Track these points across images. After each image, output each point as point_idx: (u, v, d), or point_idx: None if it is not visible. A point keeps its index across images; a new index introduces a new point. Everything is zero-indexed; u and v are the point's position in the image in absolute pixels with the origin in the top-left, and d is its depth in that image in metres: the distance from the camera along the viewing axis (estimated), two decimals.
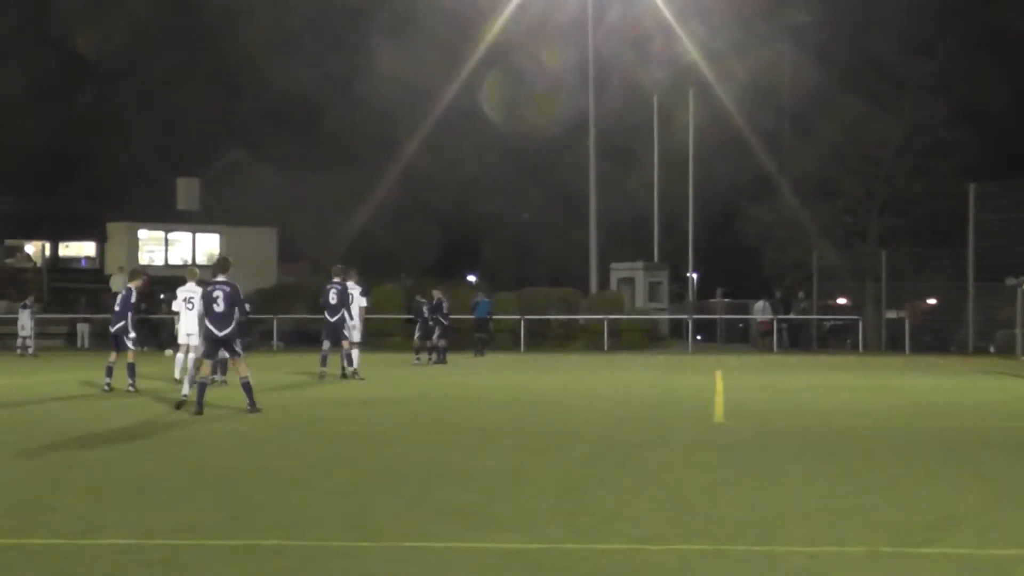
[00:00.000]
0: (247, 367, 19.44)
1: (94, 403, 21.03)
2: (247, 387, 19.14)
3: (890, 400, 22.78)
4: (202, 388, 19.09)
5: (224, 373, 24.21)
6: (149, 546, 8.82)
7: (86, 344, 48.19)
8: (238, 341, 19.51)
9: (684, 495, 11.13)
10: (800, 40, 55.12)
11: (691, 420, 18.55)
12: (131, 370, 23.35)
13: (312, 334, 45.66)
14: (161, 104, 73.55)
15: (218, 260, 20.87)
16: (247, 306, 21.15)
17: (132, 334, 23.51)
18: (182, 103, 71.53)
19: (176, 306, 24.45)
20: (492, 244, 76.30)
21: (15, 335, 45.70)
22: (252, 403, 18.95)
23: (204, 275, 25.44)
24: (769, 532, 9.33)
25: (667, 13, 56.12)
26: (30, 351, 42.07)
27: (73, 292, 52.53)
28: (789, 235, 56.11)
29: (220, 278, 19.37)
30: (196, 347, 22.04)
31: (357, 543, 8.92)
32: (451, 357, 34.64)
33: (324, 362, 28.09)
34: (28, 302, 44.18)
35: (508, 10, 56.45)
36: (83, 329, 48.93)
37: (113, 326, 23.51)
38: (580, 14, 56.33)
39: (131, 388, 22.94)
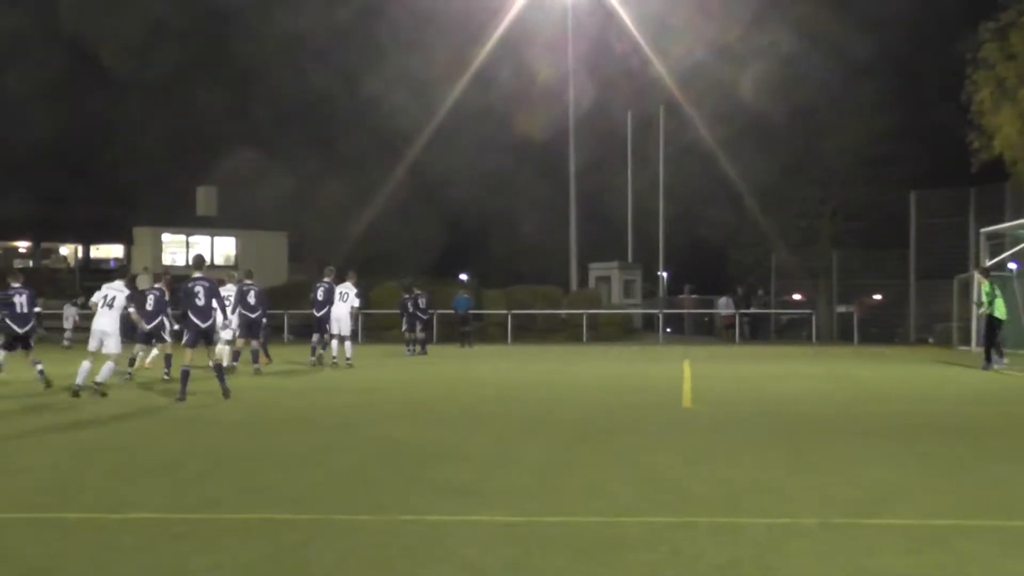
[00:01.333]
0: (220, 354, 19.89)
1: (120, 392, 20.98)
2: (219, 369, 19.46)
3: (841, 386, 22.81)
4: (185, 375, 18.90)
5: (235, 360, 24.50)
6: (172, 520, 8.82)
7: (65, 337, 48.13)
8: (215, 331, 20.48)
9: (655, 473, 11.14)
10: (761, 62, 55.24)
11: (662, 405, 18.56)
12: (168, 360, 23.48)
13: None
14: (181, 116, 73.50)
15: (195, 258, 20.75)
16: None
17: (170, 327, 24.01)
18: (200, 115, 71.50)
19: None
20: (483, 246, 76.26)
21: (53, 328, 45.65)
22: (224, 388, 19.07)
23: (242, 277, 25.88)
24: (732, 506, 9.35)
25: (640, 38, 56.30)
26: (66, 343, 42.00)
27: None
28: (750, 238, 56.31)
29: (197, 275, 19.31)
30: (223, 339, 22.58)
31: (360, 516, 8.91)
32: (438, 348, 34.64)
33: (314, 352, 28.61)
34: (78, 300, 44.10)
35: (497, 33, 56.64)
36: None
37: (150, 323, 23.43)
38: (563, 41, 56.49)
39: (166, 377, 22.95)
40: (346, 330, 28.57)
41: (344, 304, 28.42)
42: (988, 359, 26.75)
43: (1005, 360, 27.06)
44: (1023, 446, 13.41)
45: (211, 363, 19.70)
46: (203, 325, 19.14)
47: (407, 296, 36.03)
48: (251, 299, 25.41)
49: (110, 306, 20.96)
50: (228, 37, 71.83)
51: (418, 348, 35.38)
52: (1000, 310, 27.10)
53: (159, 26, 70.51)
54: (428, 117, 64.71)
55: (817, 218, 56.41)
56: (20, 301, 21.19)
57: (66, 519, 8.92)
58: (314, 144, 71.29)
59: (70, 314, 43.76)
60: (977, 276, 28.46)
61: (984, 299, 27.21)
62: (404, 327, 35.85)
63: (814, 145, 53.67)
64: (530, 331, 50.25)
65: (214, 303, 19.18)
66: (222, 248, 72.12)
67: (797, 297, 58.23)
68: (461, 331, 42.49)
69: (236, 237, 71.84)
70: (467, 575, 7.20)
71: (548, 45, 59.39)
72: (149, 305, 23.47)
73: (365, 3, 67.62)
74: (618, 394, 20.84)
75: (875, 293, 54.39)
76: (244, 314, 25.04)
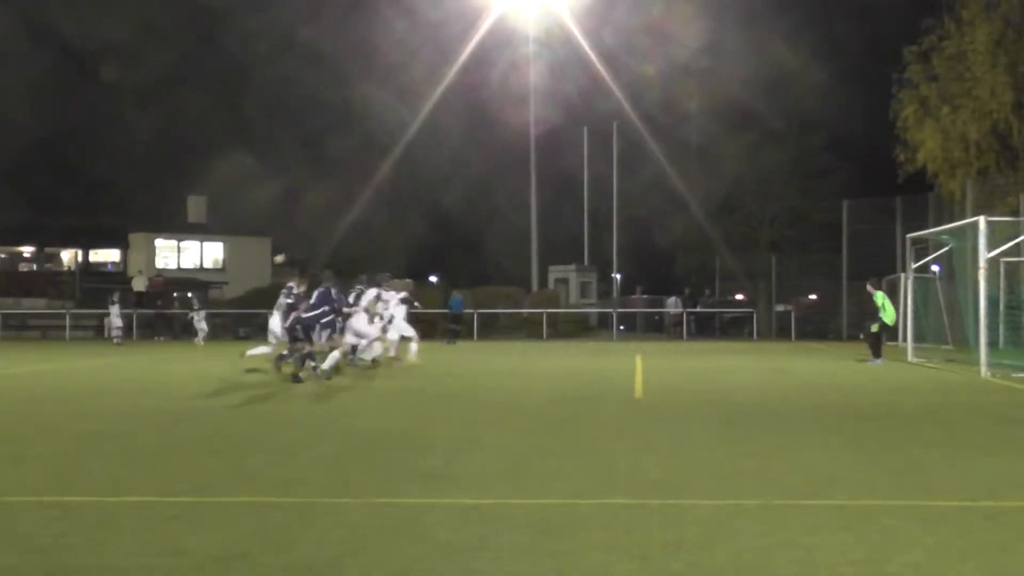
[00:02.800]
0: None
1: (122, 385, 20.90)
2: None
3: (779, 379, 22.93)
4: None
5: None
6: (167, 503, 8.80)
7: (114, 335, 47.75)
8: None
9: (611, 459, 11.18)
10: (706, 83, 55.50)
11: (616, 396, 18.62)
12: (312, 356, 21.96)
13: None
14: (173, 126, 73.41)
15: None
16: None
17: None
18: (190, 126, 71.44)
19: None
20: (451, 249, 76.29)
21: (55, 327, 45.46)
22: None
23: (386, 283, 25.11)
24: (681, 489, 9.39)
25: (597, 62, 56.47)
26: (116, 340, 41.74)
27: (101, 292, 52.35)
28: (697, 243, 56.52)
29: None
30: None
31: (340, 500, 8.92)
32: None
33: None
34: (114, 298, 43.54)
35: (467, 51, 56.68)
36: (108, 322, 48.54)
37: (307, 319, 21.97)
38: (527, 59, 56.60)
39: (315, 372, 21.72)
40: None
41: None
42: (876, 355, 27.26)
43: (880, 361, 27.29)
44: (940, 433, 13.52)
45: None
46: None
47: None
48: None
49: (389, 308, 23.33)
50: (214, 45, 71.76)
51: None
52: (890, 316, 27.66)
53: (148, 33, 70.38)
54: (401, 128, 64.68)
55: (757, 225, 56.68)
56: None
57: (68, 502, 8.89)
58: (293, 154, 71.23)
59: (115, 313, 43.18)
60: (869, 287, 28.75)
61: (883, 306, 27.58)
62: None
63: (754, 158, 53.92)
64: (494, 328, 50.35)
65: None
66: (211, 253, 72.00)
67: (739, 297, 58.55)
68: (449, 328, 42.51)
69: (224, 242, 71.71)
70: (438, 552, 7.21)
71: (513, 62, 59.46)
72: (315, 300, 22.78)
73: (338, 19, 67.56)
74: (576, 386, 20.89)
75: (811, 294, 54.71)
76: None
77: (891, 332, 29.29)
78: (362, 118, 68.05)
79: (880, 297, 27.70)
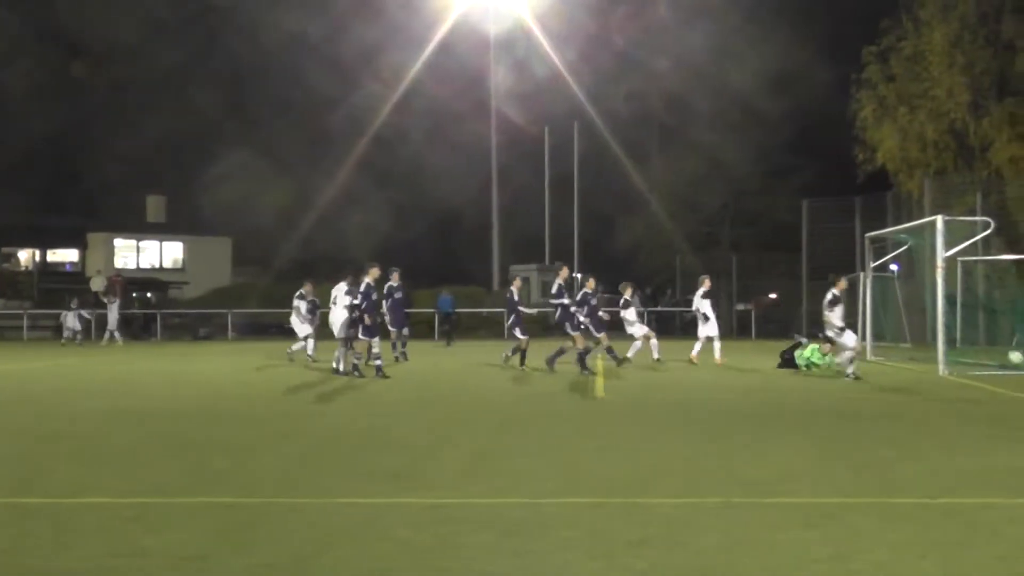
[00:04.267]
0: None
1: (82, 385, 20.74)
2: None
3: (741, 378, 23.01)
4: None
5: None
6: (128, 504, 8.73)
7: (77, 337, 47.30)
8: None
9: (574, 458, 11.18)
10: (663, 81, 55.75)
11: (578, 395, 18.63)
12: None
13: (260, 326, 45.55)
14: (131, 128, 72.82)
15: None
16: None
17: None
18: (150, 126, 70.90)
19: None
20: (413, 248, 76.12)
21: (12, 328, 45.01)
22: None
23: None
24: (644, 487, 9.40)
25: (558, 62, 56.53)
26: (64, 338, 41.32)
27: (60, 292, 51.93)
28: (658, 242, 56.69)
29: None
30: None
31: (302, 500, 8.88)
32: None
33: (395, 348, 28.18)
34: (73, 304, 42.97)
35: (429, 50, 56.64)
36: (72, 323, 48.02)
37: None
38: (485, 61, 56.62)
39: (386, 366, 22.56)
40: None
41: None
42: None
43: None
44: (900, 431, 13.61)
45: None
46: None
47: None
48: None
49: (334, 303, 23.73)
50: (174, 44, 71.32)
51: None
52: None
53: (105, 32, 69.90)
54: (363, 127, 64.54)
55: (718, 224, 56.95)
56: None
57: (27, 504, 8.81)
58: (254, 153, 70.85)
59: (72, 316, 42.48)
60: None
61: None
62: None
63: (714, 157, 54.19)
64: (456, 328, 50.22)
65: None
66: (170, 253, 71.65)
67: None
68: (443, 329, 42.67)
69: (184, 242, 71.35)
70: (402, 552, 7.19)
71: (475, 62, 59.44)
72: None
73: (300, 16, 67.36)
74: (539, 386, 20.88)
75: (771, 292, 54.92)
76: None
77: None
78: (324, 117, 67.87)
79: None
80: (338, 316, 23.87)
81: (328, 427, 13.95)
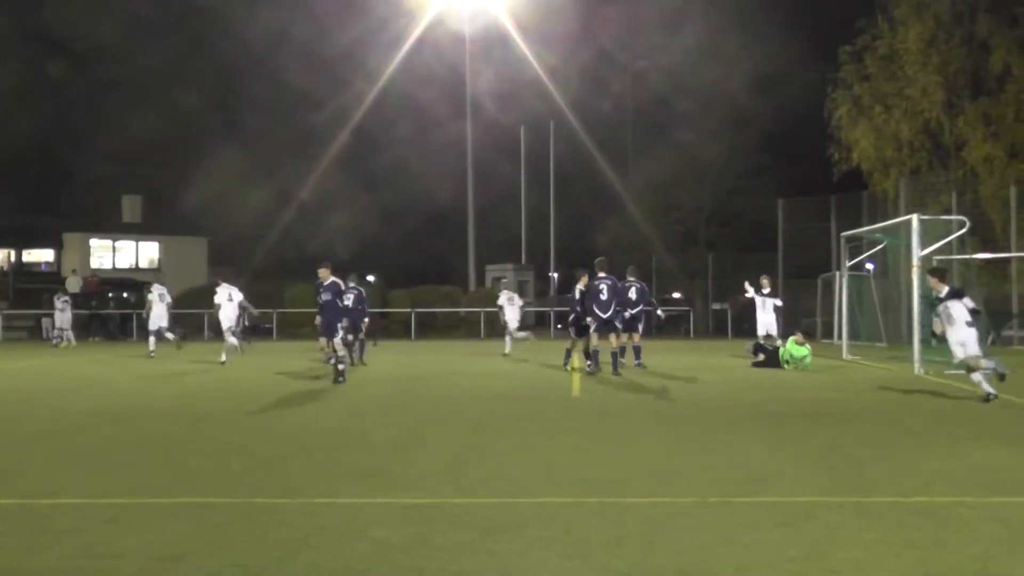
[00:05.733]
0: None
1: (59, 385, 20.66)
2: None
3: (717, 376, 23.06)
4: (595, 355, 22.59)
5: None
6: (104, 504, 8.72)
7: (51, 336, 46.98)
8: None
9: (551, 457, 11.22)
10: (639, 80, 55.89)
11: (555, 395, 18.67)
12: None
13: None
14: (108, 127, 72.59)
15: (598, 261, 23.66)
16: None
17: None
18: (126, 125, 70.69)
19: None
20: (390, 248, 76.05)
21: None
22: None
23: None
24: (619, 487, 9.44)
25: (535, 62, 56.56)
26: (60, 341, 40.70)
27: (35, 292, 51.67)
28: (634, 241, 56.73)
29: (602, 275, 23.02)
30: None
31: (279, 500, 8.89)
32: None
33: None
34: (65, 299, 42.36)
35: (405, 48, 56.54)
36: (47, 323, 47.77)
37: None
38: (465, 55, 56.54)
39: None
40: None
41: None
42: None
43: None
44: (876, 430, 13.68)
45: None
46: (604, 316, 22.53)
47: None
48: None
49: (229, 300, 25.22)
50: (149, 43, 71.07)
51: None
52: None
53: (80, 31, 69.68)
54: (338, 126, 64.48)
55: (694, 224, 57.10)
56: None
57: (3, 505, 8.79)
58: (230, 153, 70.67)
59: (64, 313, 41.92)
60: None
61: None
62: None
63: (689, 157, 54.31)
64: (432, 328, 50.21)
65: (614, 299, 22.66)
66: (146, 253, 71.41)
67: (676, 296, 58.76)
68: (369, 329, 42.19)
69: (160, 242, 71.14)
70: (378, 552, 7.21)
71: (451, 60, 59.42)
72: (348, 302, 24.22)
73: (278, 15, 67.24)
74: (515, 386, 20.93)
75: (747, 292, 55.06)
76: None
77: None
78: (302, 116, 67.78)
79: None
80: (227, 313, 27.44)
81: (301, 428, 13.93)
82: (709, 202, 56.19)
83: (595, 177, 58.01)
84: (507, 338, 30.98)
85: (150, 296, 30.22)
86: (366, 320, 27.01)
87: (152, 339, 30.12)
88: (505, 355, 29.94)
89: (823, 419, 14.80)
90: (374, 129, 64.91)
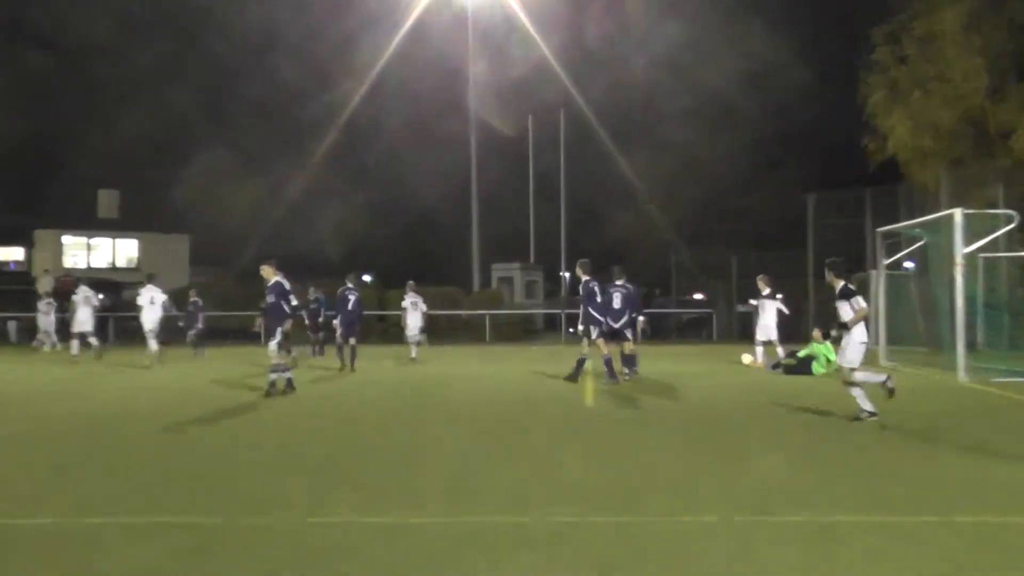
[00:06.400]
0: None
1: (29, 393, 20.66)
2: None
3: (740, 383, 23.01)
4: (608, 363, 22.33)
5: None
6: (76, 524, 8.73)
7: (14, 339, 47.00)
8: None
9: (558, 469, 11.19)
10: (659, 67, 55.96)
11: (565, 403, 18.64)
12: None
13: (219, 331, 45.31)
14: (81, 120, 72.65)
15: (616, 268, 24.35)
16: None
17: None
18: (103, 117, 70.77)
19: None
20: (385, 247, 76.08)
21: None
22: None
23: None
24: (635, 504, 9.41)
25: (545, 49, 56.57)
26: (42, 345, 40.58)
27: (3, 294, 51.66)
28: (650, 238, 56.78)
29: (619, 282, 23.46)
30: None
31: (265, 519, 8.86)
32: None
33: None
34: (50, 301, 42.23)
35: (401, 33, 56.53)
36: (12, 326, 47.76)
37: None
38: (466, 42, 56.55)
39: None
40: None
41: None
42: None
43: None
44: (913, 442, 13.63)
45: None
46: (615, 325, 22.97)
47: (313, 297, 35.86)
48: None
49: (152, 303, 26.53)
50: (124, 31, 71.17)
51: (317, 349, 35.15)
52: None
53: (52, 20, 69.83)
54: (332, 119, 64.54)
55: (715, 219, 57.07)
56: None
57: None
58: (216, 146, 70.76)
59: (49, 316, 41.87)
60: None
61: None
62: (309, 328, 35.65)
63: (711, 147, 54.39)
64: (432, 332, 49.89)
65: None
66: (124, 251, 71.39)
67: (698, 297, 58.65)
68: (316, 337, 41.59)
69: (139, 240, 71.14)
70: (375, 570, 7.19)
71: (452, 45, 59.47)
72: (349, 306, 26.47)
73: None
74: (521, 393, 20.89)
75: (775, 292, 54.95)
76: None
77: None
78: (291, 111, 67.89)
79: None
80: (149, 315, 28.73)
81: (291, 440, 13.91)
82: (732, 196, 56.22)
83: (606, 169, 58.05)
84: (412, 344, 32.09)
85: (140, 299, 30.06)
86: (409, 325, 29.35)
87: (152, 344, 29.51)
88: (412, 360, 30.97)
89: (856, 430, 14.72)
90: (366, 122, 65.03)
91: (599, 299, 22.55)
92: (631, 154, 57.68)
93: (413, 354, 31.44)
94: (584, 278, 22.94)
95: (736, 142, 54.35)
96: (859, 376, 15.87)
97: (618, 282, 23.78)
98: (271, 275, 20.85)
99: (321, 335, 35.01)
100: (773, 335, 28.05)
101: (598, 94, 58.09)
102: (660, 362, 27.78)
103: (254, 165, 69.93)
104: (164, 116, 73.61)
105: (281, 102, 69.16)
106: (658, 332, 53.39)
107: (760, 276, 29.57)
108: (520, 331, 52.06)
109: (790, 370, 25.56)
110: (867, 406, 15.67)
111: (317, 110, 65.34)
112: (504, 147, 61.90)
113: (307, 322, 35.96)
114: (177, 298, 41.32)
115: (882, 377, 16.14)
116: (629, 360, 24.36)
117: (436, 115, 62.55)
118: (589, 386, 21.94)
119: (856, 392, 15.82)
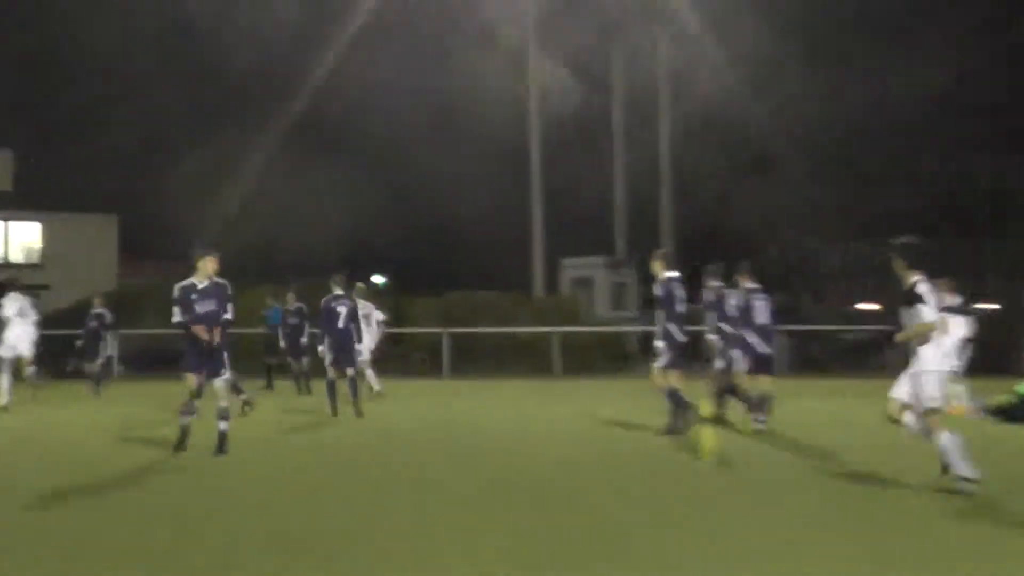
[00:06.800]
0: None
1: None
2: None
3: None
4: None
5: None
6: None
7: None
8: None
9: (666, 563, 11.15)
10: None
11: (673, 461, 18.55)
12: None
13: (165, 355, 45.22)
14: None
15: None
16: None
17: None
18: None
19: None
20: (405, 236, 76.26)
21: None
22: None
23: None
24: None
25: None
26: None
27: None
28: (794, 221, 56.55)
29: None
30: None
31: None
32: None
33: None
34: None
35: None
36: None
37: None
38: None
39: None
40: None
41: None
42: None
43: None
44: None
45: None
46: (767, 349, 23.58)
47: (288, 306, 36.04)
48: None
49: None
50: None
51: (303, 381, 35.14)
52: None
53: None
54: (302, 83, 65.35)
55: (892, 196, 56.79)
56: None
57: None
58: (156, 95, 71.26)
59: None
60: None
61: None
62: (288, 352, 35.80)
63: (883, 93, 54.40)
64: (475, 357, 48.51)
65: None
66: (20, 237, 71.37)
67: (868, 307, 57.50)
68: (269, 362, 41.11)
69: (41, 222, 71.17)
70: None
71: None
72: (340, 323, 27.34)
73: None
74: (604, 446, 20.84)
75: (989, 299, 54.19)
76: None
77: None
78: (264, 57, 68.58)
79: None
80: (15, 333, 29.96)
81: (284, 513, 13.93)
82: (916, 162, 56.13)
83: (725, 132, 58.14)
84: (370, 371, 32.82)
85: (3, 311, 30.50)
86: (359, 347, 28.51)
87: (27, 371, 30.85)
88: (377, 392, 32.52)
89: None
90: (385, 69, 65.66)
91: (681, 307, 21.99)
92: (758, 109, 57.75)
93: (377, 386, 32.40)
94: (664, 275, 22.42)
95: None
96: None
97: (752, 285, 23.53)
98: (210, 270, 21.70)
99: (306, 361, 35.11)
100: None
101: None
102: (806, 401, 27.60)
103: (213, 120, 70.28)
104: (78, 55, 74.02)
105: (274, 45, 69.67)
106: (804, 359, 52.23)
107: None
108: (607, 358, 50.88)
109: (1008, 414, 25.25)
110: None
111: (304, 60, 65.99)
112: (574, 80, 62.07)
113: (283, 344, 36.02)
114: (80, 310, 41.45)
115: None
116: (761, 404, 23.66)
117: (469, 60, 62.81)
118: (707, 434, 21.67)
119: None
